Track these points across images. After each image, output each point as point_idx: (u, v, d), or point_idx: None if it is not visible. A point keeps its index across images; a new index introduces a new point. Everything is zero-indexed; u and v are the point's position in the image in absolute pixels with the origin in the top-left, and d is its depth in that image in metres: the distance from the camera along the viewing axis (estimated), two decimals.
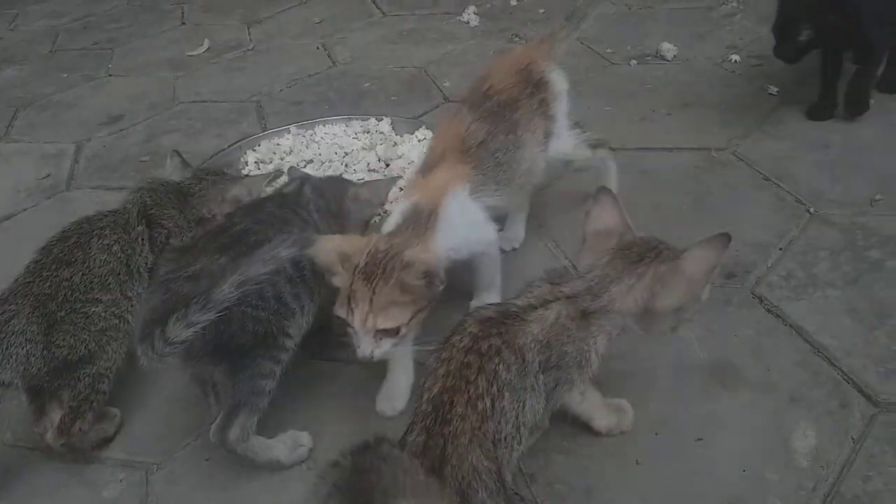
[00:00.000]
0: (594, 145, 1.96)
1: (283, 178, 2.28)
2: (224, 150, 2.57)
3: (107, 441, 1.61)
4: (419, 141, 2.49)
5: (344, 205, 1.71)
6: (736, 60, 2.86)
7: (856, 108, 2.35)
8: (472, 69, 3.12)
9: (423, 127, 2.53)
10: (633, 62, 2.99)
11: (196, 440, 1.60)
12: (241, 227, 1.44)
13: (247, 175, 2.33)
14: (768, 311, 1.76)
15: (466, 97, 1.79)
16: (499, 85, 1.74)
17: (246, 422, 1.40)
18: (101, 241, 1.60)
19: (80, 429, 1.52)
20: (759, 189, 2.18)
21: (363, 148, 2.51)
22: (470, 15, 3.58)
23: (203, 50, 3.60)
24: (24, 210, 2.51)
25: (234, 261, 1.31)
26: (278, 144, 2.58)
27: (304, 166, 2.46)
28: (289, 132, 2.62)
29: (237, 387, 1.38)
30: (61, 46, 3.90)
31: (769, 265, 1.89)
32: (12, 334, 1.45)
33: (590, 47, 3.14)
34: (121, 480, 1.54)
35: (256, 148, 2.56)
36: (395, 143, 2.52)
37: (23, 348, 1.45)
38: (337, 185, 1.74)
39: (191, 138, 2.83)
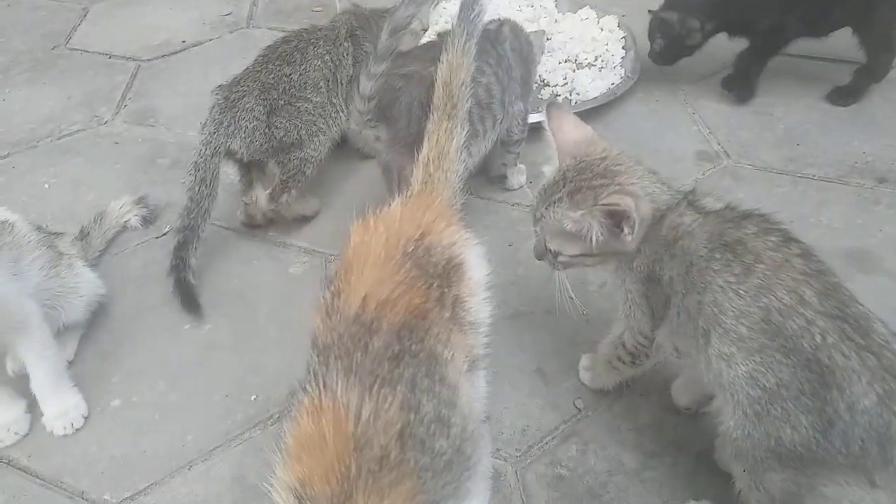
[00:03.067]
0: None
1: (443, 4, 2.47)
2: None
3: (305, 218, 1.87)
4: (581, 20, 2.56)
5: (532, 52, 1.84)
6: None
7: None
8: None
9: (587, 7, 2.59)
10: None
11: None
12: None
13: None
14: None
15: (322, 341, 0.95)
16: (380, 293, 0.95)
17: None
18: (315, 49, 1.81)
19: (286, 199, 1.79)
20: None
21: (526, 20, 2.59)
22: None
23: None
24: (210, 40, 2.75)
25: None
26: (444, 8, 2.69)
27: None
28: None
29: None
30: None
31: None
32: (243, 110, 1.70)
33: None
34: (304, 262, 1.79)
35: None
36: (557, 20, 2.59)
37: (251, 123, 1.70)
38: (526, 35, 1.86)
39: None
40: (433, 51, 1.57)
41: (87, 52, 2.72)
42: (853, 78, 2.19)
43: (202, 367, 1.55)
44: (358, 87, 1.45)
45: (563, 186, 1.18)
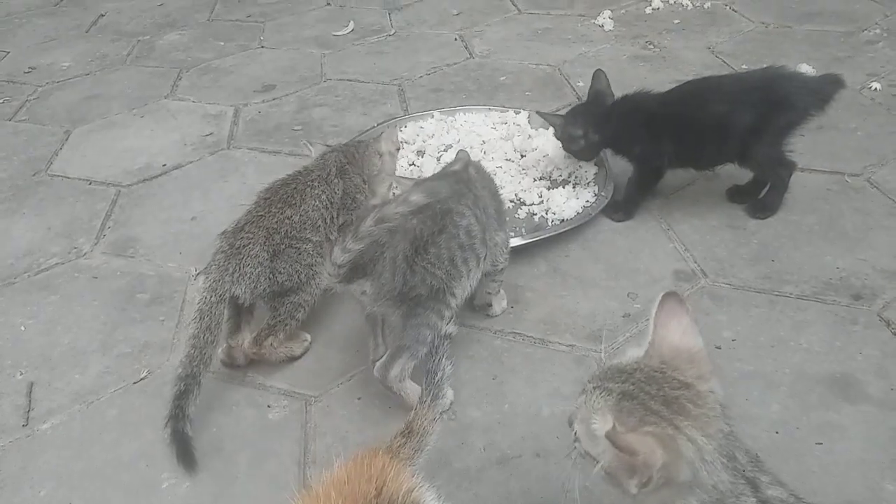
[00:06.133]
0: None
1: (398, 131, 2.52)
2: (373, 127, 2.77)
3: (293, 359, 1.85)
4: (554, 137, 2.63)
5: (495, 184, 1.91)
6: (876, 88, 2.86)
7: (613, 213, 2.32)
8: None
9: None
10: None
11: (349, 381, 1.80)
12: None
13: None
14: (895, 334, 1.81)
15: None
16: None
17: (406, 364, 1.60)
18: (312, 190, 1.86)
19: (271, 343, 1.78)
20: (893, 217, 2.21)
21: (501, 138, 2.67)
22: (605, 19, 3.67)
23: (348, 31, 3.83)
24: (191, 162, 2.78)
25: (423, 223, 1.52)
26: (422, 127, 2.77)
27: (444, 150, 2.64)
28: (432, 116, 2.81)
29: (406, 331, 1.57)
30: (218, 16, 4.22)
31: None
32: (248, 257, 1.72)
33: (724, 62, 3.19)
34: (284, 406, 1.75)
35: (403, 129, 2.75)
36: (530, 136, 2.66)
37: (255, 269, 1.72)
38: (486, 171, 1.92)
39: (338, 113, 3.05)
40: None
41: (67, 177, 2.74)
42: (766, 194, 2.27)
43: None
44: (331, 254, 1.48)
45: (625, 381, 1.00)
